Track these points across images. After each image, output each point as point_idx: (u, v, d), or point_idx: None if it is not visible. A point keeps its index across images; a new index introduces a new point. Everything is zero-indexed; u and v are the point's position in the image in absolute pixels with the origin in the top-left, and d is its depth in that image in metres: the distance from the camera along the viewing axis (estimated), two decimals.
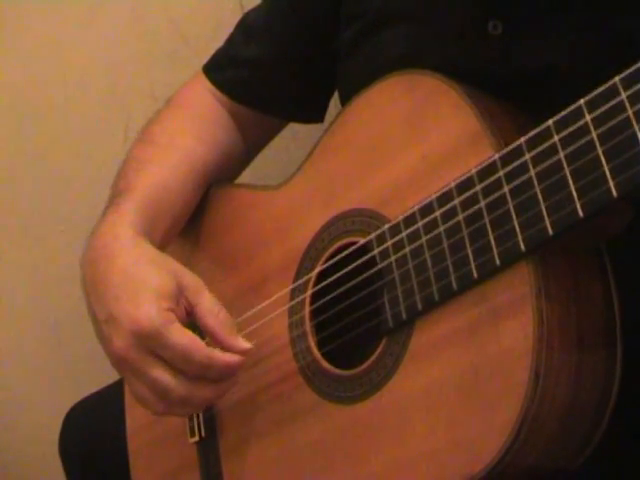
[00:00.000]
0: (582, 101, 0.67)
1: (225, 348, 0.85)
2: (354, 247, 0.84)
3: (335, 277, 0.86)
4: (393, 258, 0.80)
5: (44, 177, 1.56)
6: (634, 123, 0.64)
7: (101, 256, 0.89)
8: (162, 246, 0.95)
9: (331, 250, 0.87)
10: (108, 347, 0.86)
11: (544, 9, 0.82)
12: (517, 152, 0.71)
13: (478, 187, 0.74)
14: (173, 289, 0.85)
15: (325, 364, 0.86)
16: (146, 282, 0.85)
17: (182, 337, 0.82)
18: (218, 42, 1.11)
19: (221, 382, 0.85)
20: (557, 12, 0.81)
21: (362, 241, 0.84)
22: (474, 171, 0.74)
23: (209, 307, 0.86)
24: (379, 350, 0.81)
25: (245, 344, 0.85)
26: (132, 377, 0.85)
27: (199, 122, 1.06)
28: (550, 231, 0.69)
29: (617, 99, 0.65)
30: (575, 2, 0.81)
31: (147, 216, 0.94)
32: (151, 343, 0.82)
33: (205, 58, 1.11)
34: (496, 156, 0.73)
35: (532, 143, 0.70)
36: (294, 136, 1.27)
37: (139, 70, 1.47)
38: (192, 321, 0.87)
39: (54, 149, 1.55)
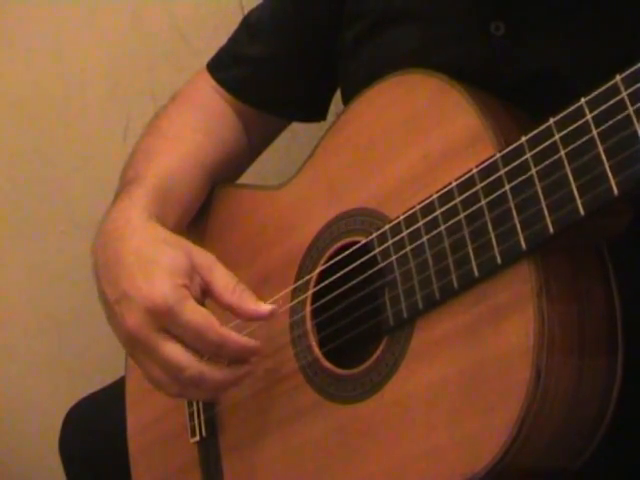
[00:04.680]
0: (583, 100, 0.67)
1: (248, 318, 0.85)
2: (355, 247, 0.84)
3: (336, 276, 0.86)
4: (394, 257, 0.80)
5: (44, 177, 1.56)
6: (635, 121, 0.64)
7: (114, 239, 0.89)
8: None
9: (332, 250, 0.87)
10: (120, 326, 0.85)
11: (546, 11, 0.82)
12: (518, 151, 0.71)
13: (479, 186, 0.74)
14: (187, 266, 0.85)
15: (326, 363, 0.86)
16: (160, 260, 0.85)
17: (196, 314, 0.82)
18: (218, 42, 1.11)
19: (235, 366, 0.85)
20: (559, 14, 0.82)
21: (363, 241, 0.84)
22: (475, 170, 0.74)
23: (224, 283, 0.86)
24: (380, 349, 0.81)
25: (267, 307, 0.85)
26: (144, 357, 0.85)
27: (206, 119, 1.06)
28: (551, 229, 0.69)
29: (618, 97, 0.65)
30: (576, 4, 0.81)
31: (159, 203, 0.94)
32: (164, 320, 0.82)
33: (205, 58, 1.11)
34: (497, 155, 0.73)
35: (533, 142, 0.70)
36: (294, 136, 1.27)
37: (139, 70, 1.47)
38: (208, 299, 0.87)
39: (54, 149, 1.55)
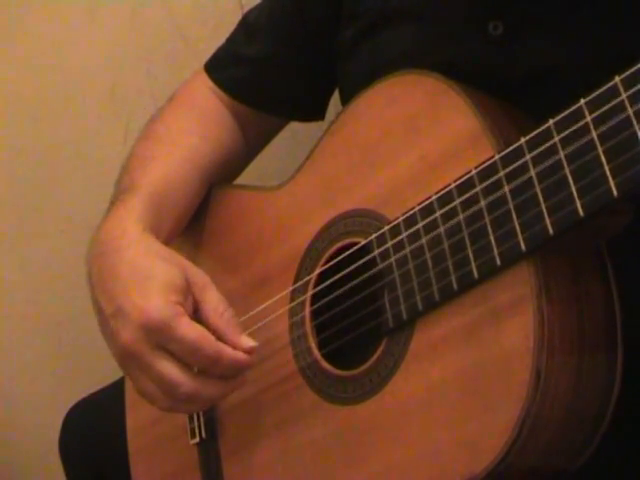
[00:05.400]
0: (582, 101, 0.67)
1: (230, 346, 0.85)
2: (354, 248, 0.84)
3: (335, 278, 0.86)
4: (393, 259, 0.80)
5: (44, 177, 1.57)
6: (634, 123, 0.64)
7: (109, 250, 0.89)
8: (167, 242, 0.95)
9: (331, 251, 0.87)
10: (115, 341, 0.85)
11: (545, 10, 0.82)
12: (517, 152, 0.71)
13: (478, 187, 0.74)
14: (182, 283, 0.85)
15: (325, 365, 0.86)
16: (155, 275, 0.85)
17: (191, 330, 0.82)
18: (218, 42, 1.11)
19: (229, 380, 0.85)
20: (558, 13, 0.82)
21: (362, 242, 0.84)
22: (474, 171, 0.74)
23: (214, 305, 0.86)
24: (380, 351, 0.81)
25: (249, 342, 0.85)
26: (138, 372, 0.84)
27: (203, 121, 1.06)
28: (551, 231, 0.69)
29: (617, 99, 0.65)
30: (575, 3, 0.81)
31: (154, 212, 0.94)
32: (159, 336, 0.82)
33: (205, 58, 1.11)
34: (496, 156, 0.73)
35: (532, 143, 0.70)
36: (294, 136, 1.27)
37: (139, 70, 1.47)
38: (198, 318, 0.87)
39: (54, 149, 1.55)
